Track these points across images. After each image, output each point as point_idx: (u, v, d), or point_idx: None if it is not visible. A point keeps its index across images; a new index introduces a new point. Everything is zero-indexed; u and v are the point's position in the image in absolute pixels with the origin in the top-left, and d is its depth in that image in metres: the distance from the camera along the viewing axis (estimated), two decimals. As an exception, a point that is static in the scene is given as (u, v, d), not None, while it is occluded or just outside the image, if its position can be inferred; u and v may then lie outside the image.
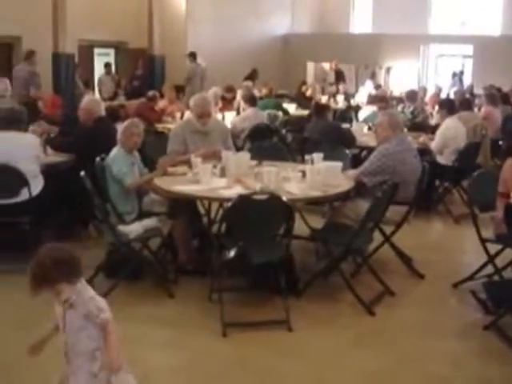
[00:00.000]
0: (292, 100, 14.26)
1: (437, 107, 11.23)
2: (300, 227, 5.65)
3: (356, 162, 6.67)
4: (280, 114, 11.08)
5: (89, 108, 6.28)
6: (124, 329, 4.29)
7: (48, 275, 2.60)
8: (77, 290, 2.66)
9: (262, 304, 4.73)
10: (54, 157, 6.17)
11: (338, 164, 5.35)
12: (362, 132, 8.89)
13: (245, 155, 5.58)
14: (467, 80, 18.66)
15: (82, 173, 4.77)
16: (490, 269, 5.13)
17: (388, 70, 20.11)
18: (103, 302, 2.73)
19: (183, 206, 5.16)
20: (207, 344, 4.16)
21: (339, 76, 17.55)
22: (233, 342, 4.17)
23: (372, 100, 11.67)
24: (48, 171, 5.79)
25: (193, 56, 14.62)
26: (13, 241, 5.77)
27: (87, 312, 2.66)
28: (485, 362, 4.07)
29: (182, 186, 4.85)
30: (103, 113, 6.40)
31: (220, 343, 4.16)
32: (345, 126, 9.14)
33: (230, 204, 4.26)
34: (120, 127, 5.39)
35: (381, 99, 10.32)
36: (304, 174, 5.12)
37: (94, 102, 6.54)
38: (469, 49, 19.53)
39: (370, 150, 6.82)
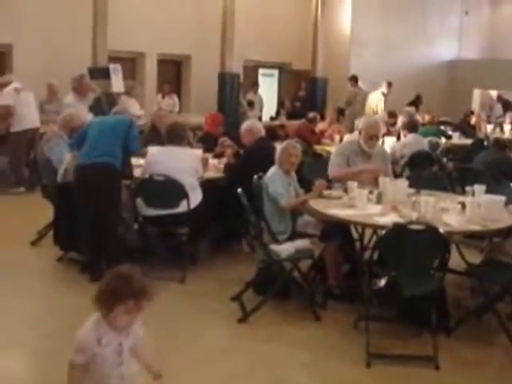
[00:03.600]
0: (456, 128, 13.80)
1: None
2: (455, 261, 5.44)
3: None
4: (442, 141, 10.76)
5: (250, 129, 6.47)
6: (268, 348, 4.39)
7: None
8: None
9: (409, 338, 4.57)
10: (213, 172, 6.39)
11: (501, 198, 5.08)
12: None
13: (403, 182, 5.46)
14: None
15: (239, 189, 4.89)
16: None
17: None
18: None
19: (336, 230, 5.13)
20: (349, 372, 4.09)
21: (507, 106, 16.75)
22: (375, 374, 4.07)
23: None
24: (207, 186, 6.00)
25: (354, 80, 14.60)
26: (171, 250, 6.04)
27: None
28: None
29: (337, 210, 4.82)
30: (263, 133, 6.55)
31: (362, 373, 4.07)
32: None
33: (384, 232, 4.18)
34: (278, 146, 5.48)
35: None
36: (463, 205, 4.91)
37: (254, 123, 6.75)
38: None
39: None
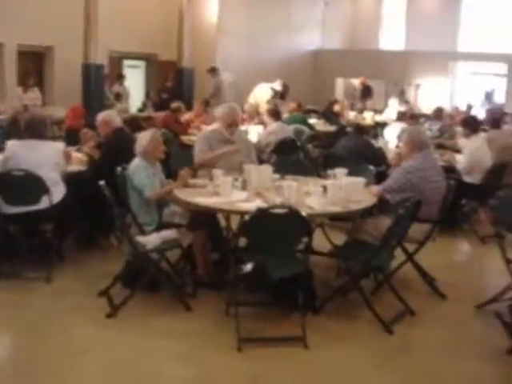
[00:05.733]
0: (320, 115, 14.21)
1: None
2: (323, 243, 5.60)
3: (382, 178, 6.59)
4: (306, 129, 11.03)
5: (105, 120, 6.38)
6: (139, 341, 4.31)
7: None
8: None
9: (279, 319, 4.66)
10: (77, 165, 6.20)
11: (361, 180, 5.29)
12: (387, 149, 8.82)
13: (267, 168, 5.54)
14: (499, 98, 18.44)
15: (101, 182, 4.77)
16: (515, 291, 5.02)
17: (417, 87, 19.99)
18: None
19: (203, 219, 5.13)
20: (222, 359, 4.11)
21: (366, 92, 17.46)
22: (247, 358, 4.11)
23: (401, 117, 11.61)
24: (70, 180, 5.81)
25: (213, 71, 14.67)
26: (35, 248, 5.81)
27: None
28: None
29: (202, 198, 4.82)
30: (119, 123, 6.48)
31: (235, 358, 4.10)
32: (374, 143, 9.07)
33: (248, 217, 4.22)
34: (142, 137, 5.37)
35: (410, 116, 10.25)
36: (325, 188, 5.05)
37: (109, 114, 6.66)
38: (503, 67, 19.30)
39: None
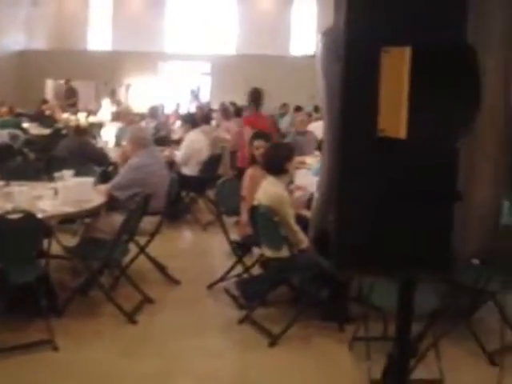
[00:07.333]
0: (32, 119, 13.83)
1: (178, 122, 11.77)
2: (53, 247, 5.60)
3: (106, 177, 6.77)
4: (20, 133, 10.73)
5: None
6: None
7: None
8: None
9: (23, 326, 4.58)
10: None
11: (89, 179, 5.43)
12: (108, 148, 9.02)
13: (-10, 176, 5.38)
14: (205, 95, 19.63)
15: None
16: (239, 268, 5.56)
17: (128, 87, 20.40)
18: None
19: None
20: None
21: (70, 93, 17.32)
22: (-5, 369, 4.02)
23: (116, 117, 11.84)
24: None
25: None
26: None
27: None
28: (244, 351, 4.49)
29: None
30: None
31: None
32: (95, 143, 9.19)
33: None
34: None
35: (126, 116, 10.55)
36: (56, 191, 5.10)
37: None
38: (207, 66, 20.58)
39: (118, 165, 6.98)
